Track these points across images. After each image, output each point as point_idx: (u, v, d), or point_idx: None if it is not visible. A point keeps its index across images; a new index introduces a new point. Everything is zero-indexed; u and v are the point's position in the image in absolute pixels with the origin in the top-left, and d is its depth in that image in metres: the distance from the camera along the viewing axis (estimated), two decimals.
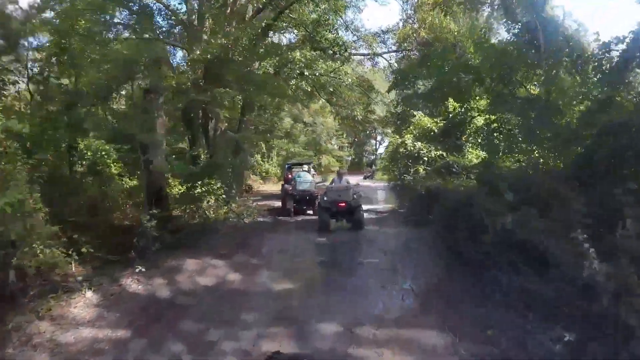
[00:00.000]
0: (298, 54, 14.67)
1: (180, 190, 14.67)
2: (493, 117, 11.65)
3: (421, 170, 16.27)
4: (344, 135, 53.96)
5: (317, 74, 15.06)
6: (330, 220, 13.50)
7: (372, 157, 67.83)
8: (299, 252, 11.00)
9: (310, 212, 17.11)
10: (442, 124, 17.38)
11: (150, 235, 9.94)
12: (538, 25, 10.33)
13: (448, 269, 8.88)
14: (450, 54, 15.16)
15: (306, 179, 17.26)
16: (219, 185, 15.33)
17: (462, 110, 16.46)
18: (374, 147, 70.25)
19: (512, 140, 11.25)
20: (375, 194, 27.99)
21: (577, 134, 8.70)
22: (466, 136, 16.75)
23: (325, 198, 13.84)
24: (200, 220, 13.84)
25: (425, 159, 16.55)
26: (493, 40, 12.62)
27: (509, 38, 11.90)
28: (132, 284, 8.64)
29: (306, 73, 14.73)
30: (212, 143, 17.22)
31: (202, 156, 17.14)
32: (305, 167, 21.82)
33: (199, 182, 14.04)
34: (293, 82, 15.42)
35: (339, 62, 18.00)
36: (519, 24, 11.08)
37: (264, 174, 35.77)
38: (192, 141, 17.58)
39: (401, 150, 17.43)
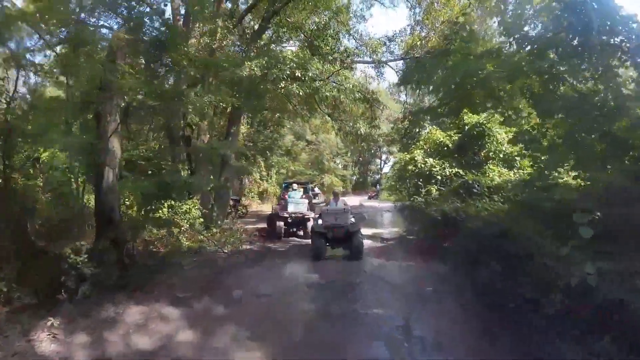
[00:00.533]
0: (289, 52, 12.32)
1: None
2: (534, 123, 9.10)
3: (434, 190, 13.74)
4: (348, 154, 51.53)
5: (310, 75, 12.59)
6: (324, 247, 11.72)
7: (377, 176, 65.46)
8: (282, 297, 8.38)
9: (301, 233, 16.07)
10: (456, 138, 14.87)
11: (81, 272, 7.41)
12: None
13: (488, 332, 6.20)
14: (476, 41, 12.63)
15: (297, 199, 16.50)
16: (194, 207, 12.88)
17: (480, 123, 13.99)
18: (379, 166, 68.09)
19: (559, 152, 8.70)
20: (381, 216, 25.37)
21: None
22: (486, 151, 14.22)
23: (319, 222, 12.09)
24: (168, 250, 11.31)
25: (439, 177, 14.02)
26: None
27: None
28: (45, 340, 6.21)
29: (298, 74, 12.32)
30: (194, 158, 14.78)
31: (183, 172, 14.72)
32: (298, 187, 20.38)
33: (167, 203, 11.59)
34: (282, 84, 12.96)
35: (338, 65, 15.60)
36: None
37: (262, 193, 33.24)
38: (173, 156, 15.16)
39: (410, 167, 14.89)
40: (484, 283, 7.90)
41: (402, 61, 19.80)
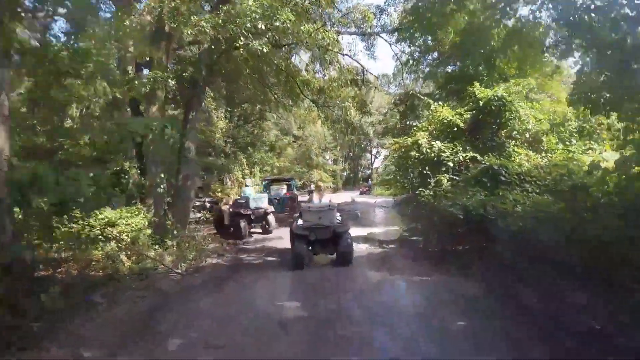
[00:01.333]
0: (250, 1, 9.18)
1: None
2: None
3: (445, 180, 10.80)
4: (337, 148, 48.56)
5: (279, 27, 9.43)
6: (306, 253, 9.45)
7: (368, 171, 62.78)
8: (241, 349, 5.34)
9: (260, 230, 15.26)
10: (468, 116, 11.94)
11: None
12: None
13: None
14: None
15: (254, 194, 15.69)
16: (138, 215, 9.85)
17: (499, 96, 11.13)
18: (370, 161, 65.42)
19: None
20: (375, 214, 22.46)
21: None
22: (507, 131, 11.33)
23: (299, 222, 9.76)
24: (101, 275, 8.27)
25: (450, 164, 11.07)
26: None
27: None
28: None
29: (261, 26, 9.19)
30: (145, 153, 11.68)
31: (132, 171, 11.63)
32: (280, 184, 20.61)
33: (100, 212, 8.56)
34: (241, 41, 9.83)
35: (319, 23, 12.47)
36: None
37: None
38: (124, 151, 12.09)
39: (412, 154, 11.88)
40: (555, 316, 5.02)
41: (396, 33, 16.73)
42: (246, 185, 17.04)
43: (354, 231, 14.31)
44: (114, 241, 9.30)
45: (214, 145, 28.40)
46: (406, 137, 12.64)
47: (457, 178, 10.70)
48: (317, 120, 28.41)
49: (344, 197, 35.23)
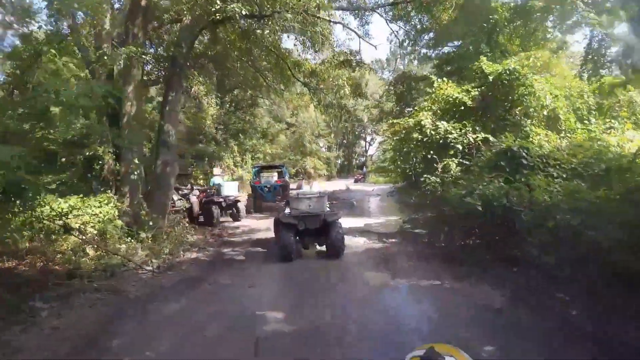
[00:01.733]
0: None
1: None
2: None
3: (453, 165, 9.48)
4: (332, 135, 47.08)
5: None
6: (294, 244, 8.65)
7: (362, 159, 61.37)
8: None
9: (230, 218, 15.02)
10: (476, 93, 10.62)
11: None
12: None
13: None
14: None
15: (221, 182, 15.59)
16: (107, 203, 8.54)
17: (512, 70, 9.85)
18: (364, 148, 63.92)
19: None
20: (370, 202, 21.15)
21: None
22: (522, 109, 10.02)
23: (287, 211, 9.14)
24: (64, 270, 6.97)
25: (459, 147, 9.74)
26: None
27: None
28: None
29: None
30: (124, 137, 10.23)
31: (106, 157, 10.23)
32: (271, 171, 18.99)
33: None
34: (217, 5, 8.39)
35: None
36: None
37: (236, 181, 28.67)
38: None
39: (414, 136, 10.53)
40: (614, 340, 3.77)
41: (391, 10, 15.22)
42: (214, 175, 17.18)
43: (350, 221, 13.16)
44: (78, 233, 7.94)
45: (205, 132, 26.96)
46: (407, 117, 11.25)
47: (467, 162, 9.40)
48: (309, 105, 27.04)
49: (338, 185, 33.94)
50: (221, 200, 14.18)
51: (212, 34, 11.13)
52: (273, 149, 32.63)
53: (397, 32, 18.55)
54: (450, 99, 10.77)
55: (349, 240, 9.74)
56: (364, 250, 9.24)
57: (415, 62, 22.30)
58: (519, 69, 10.06)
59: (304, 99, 25.99)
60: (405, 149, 11.05)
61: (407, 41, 20.03)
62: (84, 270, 7.35)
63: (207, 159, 26.68)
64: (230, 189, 15.19)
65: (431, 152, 10.02)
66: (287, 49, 18.71)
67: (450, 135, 9.79)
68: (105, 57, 9.69)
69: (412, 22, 17.53)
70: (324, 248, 8.86)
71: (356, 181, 41.09)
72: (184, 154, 26.69)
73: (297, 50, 17.31)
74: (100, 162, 10.33)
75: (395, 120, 10.95)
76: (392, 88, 19.79)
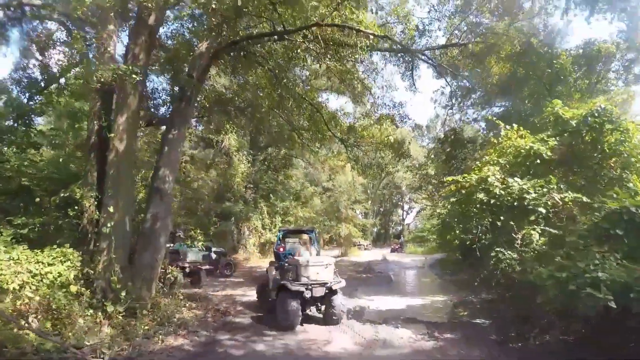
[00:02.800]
0: None
1: None
2: None
3: (536, 235, 6.75)
4: (369, 202, 44.41)
5: None
6: (299, 311, 8.05)
7: (399, 227, 58.00)
8: None
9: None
10: (554, 143, 8.06)
11: None
12: None
13: None
14: None
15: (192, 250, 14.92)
16: (60, 261, 6.34)
17: (603, 111, 7.39)
18: (401, 217, 60.65)
19: None
20: (410, 276, 18.14)
21: None
22: (619, 160, 7.39)
23: (290, 277, 8.56)
24: None
25: (542, 210, 7.00)
26: None
27: None
28: None
29: None
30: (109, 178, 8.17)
31: (86, 202, 8.09)
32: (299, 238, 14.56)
33: None
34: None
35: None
36: None
37: (264, 245, 26.24)
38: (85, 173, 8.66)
39: (478, 196, 7.80)
40: None
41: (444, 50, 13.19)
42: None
43: (389, 302, 10.71)
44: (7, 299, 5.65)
45: (233, 190, 25.09)
46: (466, 174, 8.61)
47: (554, 231, 6.67)
48: (346, 165, 24.94)
49: (373, 254, 30.91)
50: (185, 266, 13.65)
51: (231, 62, 9.20)
52: (306, 212, 30.25)
53: (444, 87, 16.65)
54: (523, 151, 8.23)
55: (390, 334, 7.29)
56: (412, 352, 6.42)
57: (460, 123, 20.02)
58: (611, 108, 7.57)
59: (340, 159, 23.96)
60: (464, 214, 8.34)
61: (454, 99, 18.02)
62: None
63: (233, 218, 24.56)
64: (193, 255, 14.85)
65: (501, 217, 7.33)
66: (321, 102, 17.10)
67: (527, 196, 7.13)
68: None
69: (460, 76, 15.57)
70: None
71: (393, 251, 37.88)
72: (209, 211, 24.94)
73: (333, 98, 15.67)
74: (76, 207, 8.24)
75: (453, 178, 8.32)
76: (439, 145, 17.47)
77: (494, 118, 9.01)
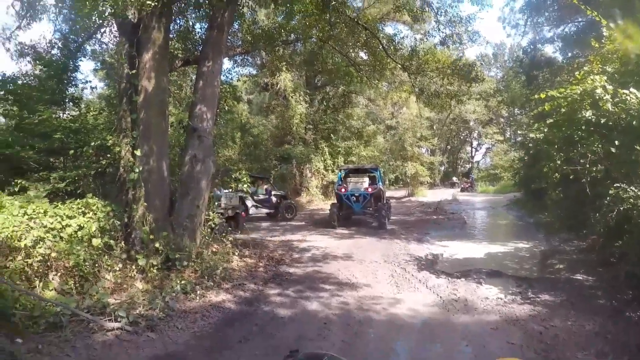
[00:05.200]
0: None
1: None
2: None
3: None
4: (435, 139, 41.69)
5: None
6: None
7: (468, 165, 54.81)
8: None
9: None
10: None
11: None
12: None
13: None
14: None
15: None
16: (81, 213, 5.54)
17: None
18: (470, 154, 57.26)
19: None
20: (485, 218, 16.45)
21: None
22: None
23: None
24: None
25: None
26: None
27: None
28: None
29: None
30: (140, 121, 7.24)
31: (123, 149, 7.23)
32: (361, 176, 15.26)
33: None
34: None
35: None
36: None
37: (327, 187, 25.31)
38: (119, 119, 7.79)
39: (585, 114, 5.87)
40: None
41: None
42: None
43: (465, 249, 9.44)
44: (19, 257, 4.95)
45: (292, 132, 24.05)
46: (568, 85, 6.56)
47: None
48: (410, 96, 22.80)
49: (443, 194, 29.09)
50: (220, 211, 12.15)
51: None
52: (369, 151, 28.73)
53: None
54: (634, 55, 6.11)
55: (472, 292, 6.05)
56: (503, 320, 5.01)
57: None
58: None
59: (403, 91, 21.91)
60: (567, 140, 6.41)
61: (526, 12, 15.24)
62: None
63: (294, 161, 23.67)
64: (226, 199, 13.50)
65: (615, 142, 5.47)
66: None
67: None
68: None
69: None
70: None
71: (463, 190, 35.70)
72: (269, 154, 24.24)
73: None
74: (109, 155, 7.47)
75: (547, 93, 6.37)
76: (518, 64, 14.90)
77: (595, 13, 6.70)
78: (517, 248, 9.35)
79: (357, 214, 14.08)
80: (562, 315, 5.02)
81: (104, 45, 12.06)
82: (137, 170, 6.59)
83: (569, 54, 17.02)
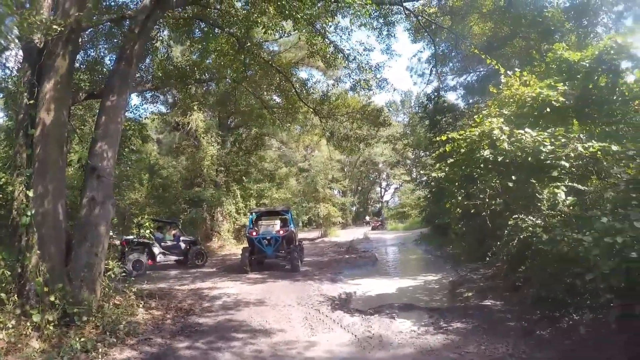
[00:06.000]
0: None
1: None
2: None
3: (561, 194, 5.40)
4: (346, 181, 43.03)
5: None
6: None
7: (378, 205, 57.17)
8: None
9: None
10: (565, 88, 6.71)
11: None
12: None
13: None
14: None
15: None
16: None
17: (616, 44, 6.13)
18: (380, 194, 59.95)
19: None
20: (395, 254, 16.97)
21: None
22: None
23: None
24: None
25: (564, 163, 5.64)
26: None
27: None
28: None
29: None
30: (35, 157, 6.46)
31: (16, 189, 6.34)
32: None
33: None
34: None
35: None
36: None
37: (239, 231, 24.59)
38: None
39: (482, 154, 6.37)
40: None
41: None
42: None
43: (377, 285, 9.46)
44: None
45: (202, 173, 23.29)
46: (463, 131, 7.15)
47: (582, 187, 5.37)
48: (321, 139, 23.44)
49: (354, 233, 29.74)
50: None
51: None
52: (282, 194, 28.69)
53: (421, 51, 15.42)
54: (529, 99, 6.87)
55: (386, 327, 5.95)
56: (418, 352, 4.99)
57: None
58: (629, 43, 6.31)
59: (315, 133, 22.45)
60: (466, 177, 6.89)
61: (432, 64, 16.76)
62: None
63: (205, 204, 22.82)
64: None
65: (512, 177, 5.96)
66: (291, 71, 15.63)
67: (543, 149, 5.77)
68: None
69: (442, 31, 14.43)
70: None
71: (374, 228, 36.99)
72: (178, 197, 23.13)
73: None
74: (1, 195, 6.59)
75: (447, 136, 6.84)
76: (421, 110, 16.11)
77: (495, 62, 7.54)
78: (427, 280, 9.67)
79: (270, 257, 13.66)
80: (475, 340, 5.17)
81: (7, 71, 10.85)
82: (29, 213, 5.83)
83: (470, 100, 18.91)
